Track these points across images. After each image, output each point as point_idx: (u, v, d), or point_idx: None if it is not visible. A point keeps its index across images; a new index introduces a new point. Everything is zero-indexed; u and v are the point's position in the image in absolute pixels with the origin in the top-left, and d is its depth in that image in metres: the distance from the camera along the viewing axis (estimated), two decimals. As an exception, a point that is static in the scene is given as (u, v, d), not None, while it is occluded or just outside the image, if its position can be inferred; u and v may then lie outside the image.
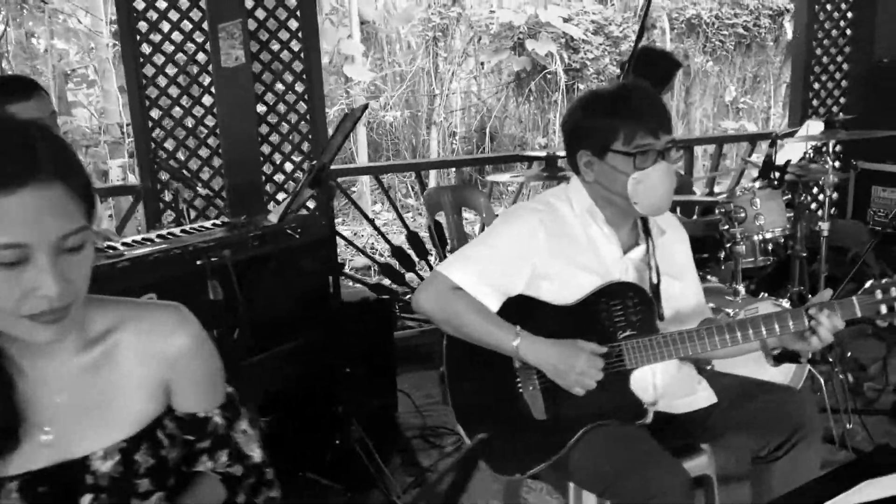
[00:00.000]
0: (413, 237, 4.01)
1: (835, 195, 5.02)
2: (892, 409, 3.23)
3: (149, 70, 3.66)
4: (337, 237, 4.21)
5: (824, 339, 1.80)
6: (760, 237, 3.06)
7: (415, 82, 8.21)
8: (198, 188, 3.43)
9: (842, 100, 4.92)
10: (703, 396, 2.01)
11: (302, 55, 3.88)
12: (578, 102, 1.92)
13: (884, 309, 1.82)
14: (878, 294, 1.82)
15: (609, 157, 1.81)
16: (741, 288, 2.98)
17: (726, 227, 3.03)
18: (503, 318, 1.83)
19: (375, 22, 8.57)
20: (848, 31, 4.80)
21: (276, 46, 3.83)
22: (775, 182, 2.99)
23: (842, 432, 3.01)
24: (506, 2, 7.97)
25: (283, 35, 3.84)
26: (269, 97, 3.87)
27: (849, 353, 3.45)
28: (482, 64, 8.44)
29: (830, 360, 3.20)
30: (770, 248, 3.23)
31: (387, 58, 8.73)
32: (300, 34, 3.85)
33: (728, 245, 2.99)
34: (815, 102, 4.87)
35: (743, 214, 3.04)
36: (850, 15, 4.76)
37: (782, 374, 3.05)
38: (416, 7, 8.22)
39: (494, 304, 1.83)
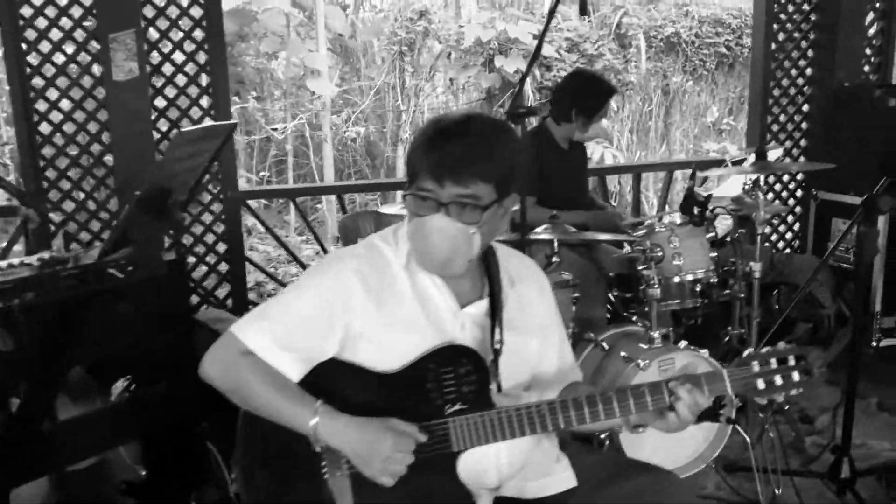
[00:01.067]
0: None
1: (796, 226, 4.73)
2: (829, 470, 2.91)
3: (38, 82, 3.39)
4: (246, 262, 3.92)
5: (683, 418, 1.51)
6: (679, 279, 2.76)
7: (381, 97, 7.94)
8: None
9: (803, 125, 4.62)
10: (560, 478, 1.70)
11: (208, 68, 3.61)
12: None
13: (761, 384, 1.52)
14: (755, 366, 1.52)
15: (409, 195, 1.53)
16: (656, 335, 2.67)
17: (643, 267, 2.73)
18: (313, 387, 1.53)
19: (344, 35, 8.33)
20: (809, 53, 4.51)
21: (179, 57, 3.56)
22: (696, 218, 2.68)
23: (770, 499, 2.70)
24: (475, 17, 7.72)
25: (189, 46, 3.57)
26: (173, 112, 3.60)
27: (787, 406, 3.14)
28: (451, 80, 8.18)
29: (762, 411, 2.89)
30: (699, 289, 2.94)
31: (355, 72, 8.48)
32: (206, 45, 3.58)
33: (642, 287, 2.68)
34: (774, 127, 4.57)
35: (660, 254, 2.74)
36: (811, 35, 4.48)
37: (704, 432, 2.75)
38: (384, 21, 7.98)
39: (295, 373, 1.53)
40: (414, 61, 7.95)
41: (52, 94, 3.42)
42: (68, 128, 3.44)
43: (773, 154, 4.11)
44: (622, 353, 2.69)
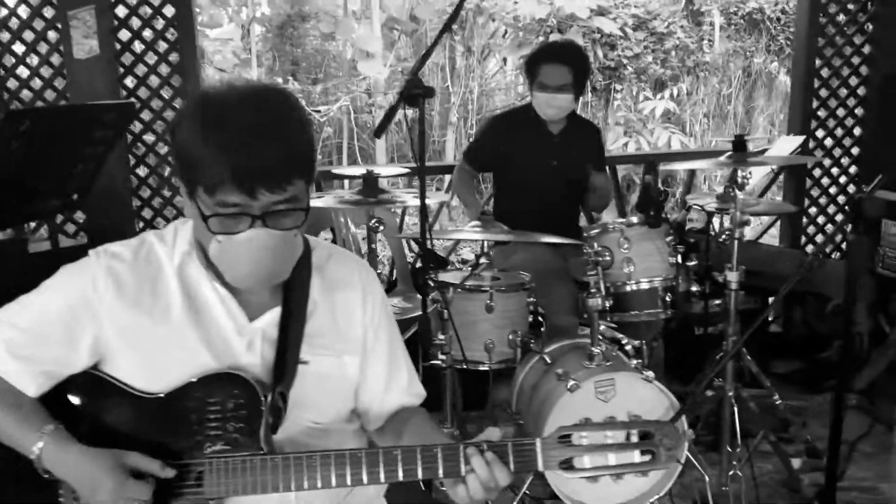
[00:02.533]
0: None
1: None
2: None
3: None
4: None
5: (472, 495, 1.20)
6: (631, 288, 2.38)
7: (428, 79, 7.67)
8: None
9: (857, 111, 4.01)
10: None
11: (178, 46, 3.47)
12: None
13: (586, 461, 1.19)
14: (583, 439, 1.20)
15: (197, 201, 1.25)
16: (597, 351, 2.32)
17: (591, 272, 2.36)
18: (66, 404, 1.33)
19: (398, 16, 8.11)
20: (868, 27, 3.89)
21: (148, 34, 3.44)
22: (652, 219, 2.28)
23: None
24: (530, -8, 7.29)
25: (158, 24, 3.45)
26: (143, 93, 3.50)
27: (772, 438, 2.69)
28: (504, 60, 7.80)
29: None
30: (669, 298, 2.54)
31: (414, 53, 8.25)
32: (175, 23, 3.45)
33: (582, 296, 2.33)
34: (821, 112, 3.99)
35: (609, 258, 2.37)
36: (870, 7, 3.86)
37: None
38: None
39: (33, 387, 1.32)
40: (465, 40, 7.62)
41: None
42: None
43: (788, 144, 3.56)
44: (557, 371, 2.35)
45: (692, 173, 3.84)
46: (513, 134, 3.14)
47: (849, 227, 2.11)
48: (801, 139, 3.67)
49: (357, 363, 1.43)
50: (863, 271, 3.47)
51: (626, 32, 7.77)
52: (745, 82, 8.62)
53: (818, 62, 3.91)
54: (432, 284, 2.48)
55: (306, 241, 1.41)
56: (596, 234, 2.43)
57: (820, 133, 4.03)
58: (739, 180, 2.37)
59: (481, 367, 2.59)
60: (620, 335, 2.67)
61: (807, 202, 4.08)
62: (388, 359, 1.48)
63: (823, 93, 3.96)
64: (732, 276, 2.43)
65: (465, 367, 2.60)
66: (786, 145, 3.58)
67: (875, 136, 3.88)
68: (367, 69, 7.72)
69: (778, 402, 2.85)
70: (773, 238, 4.53)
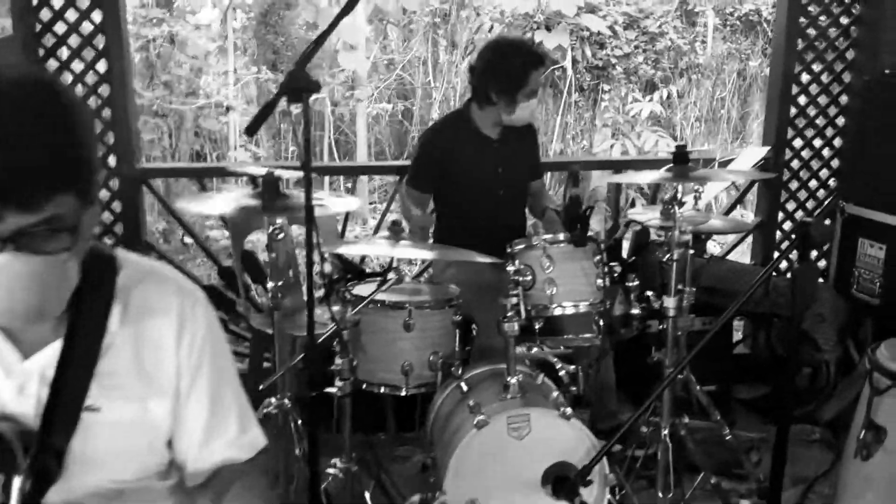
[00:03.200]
0: (225, 271, 3.25)
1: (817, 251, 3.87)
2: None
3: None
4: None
5: None
6: (552, 312, 2.14)
7: (412, 73, 7.40)
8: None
9: (838, 120, 3.75)
10: None
11: (104, 27, 3.23)
12: None
13: None
14: None
15: None
16: (512, 381, 2.07)
17: (513, 292, 2.12)
18: None
19: (382, 8, 7.84)
20: (852, 31, 3.63)
21: (72, 15, 3.20)
22: (577, 236, 2.03)
23: None
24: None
25: (83, 2, 3.21)
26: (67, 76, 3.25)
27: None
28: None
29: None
30: (602, 323, 2.29)
31: (398, 46, 8.00)
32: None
33: (499, 318, 2.08)
34: (799, 122, 3.73)
35: (530, 277, 2.12)
36: (855, 8, 3.59)
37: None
38: (427, -8, 7.43)
39: None
40: (448, 34, 7.36)
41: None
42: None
43: (753, 156, 3.30)
44: (470, 402, 2.10)
45: (618, 187, 3.53)
46: (454, 146, 2.88)
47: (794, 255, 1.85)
48: (764, 150, 3.42)
49: (168, 408, 1.19)
50: (811, 300, 3.20)
51: (615, 31, 7.50)
52: (739, 86, 8.34)
53: (798, 67, 3.65)
54: (347, 298, 2.25)
55: (112, 259, 1.17)
56: (519, 251, 2.18)
57: (798, 143, 3.76)
58: (681, 196, 2.12)
59: (397, 393, 2.35)
60: (555, 359, 2.42)
61: (781, 216, 3.83)
62: (211, 403, 1.23)
63: (802, 100, 3.70)
64: (670, 303, 2.18)
65: (380, 390, 2.37)
66: (750, 157, 3.32)
67: (855, 147, 3.61)
68: (348, 61, 7.46)
69: (728, 437, 2.61)
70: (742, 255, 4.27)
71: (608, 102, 7.83)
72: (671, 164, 2.19)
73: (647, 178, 2.61)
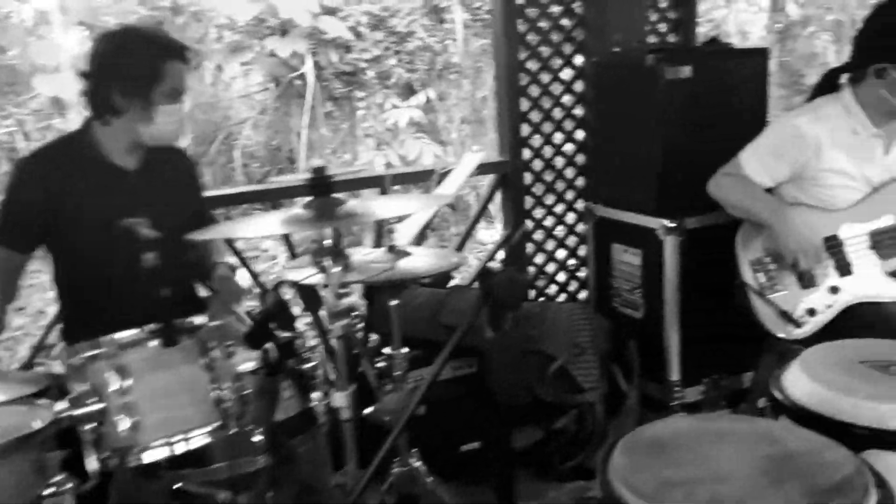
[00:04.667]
0: None
1: (581, 251, 3.38)
2: None
3: None
4: None
5: None
6: (142, 459, 1.31)
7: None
8: None
9: (576, 110, 3.28)
10: None
11: None
12: None
13: None
14: None
15: None
16: None
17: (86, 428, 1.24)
18: None
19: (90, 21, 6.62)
20: (576, 6, 3.16)
21: None
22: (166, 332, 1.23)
23: None
24: (243, -10, 6.13)
25: None
26: None
27: None
28: (219, 67, 6.60)
29: None
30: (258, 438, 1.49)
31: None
32: None
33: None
34: (534, 116, 3.21)
35: (95, 406, 1.27)
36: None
37: None
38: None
39: None
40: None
41: None
42: None
43: (469, 164, 2.72)
44: None
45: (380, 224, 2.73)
46: (66, 181, 1.96)
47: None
48: (479, 156, 2.85)
49: None
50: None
51: (360, 33, 6.84)
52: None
53: (523, 53, 3.12)
54: None
55: None
56: (73, 366, 1.31)
57: (537, 140, 3.25)
58: (329, 242, 1.38)
59: None
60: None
61: (531, 225, 3.30)
62: None
63: (535, 91, 3.18)
64: (341, 400, 1.44)
65: None
66: (468, 165, 2.73)
67: (597, 139, 3.15)
68: (44, 85, 6.17)
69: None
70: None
71: (365, 111, 7.17)
72: (310, 197, 1.44)
73: (248, 230, 1.79)
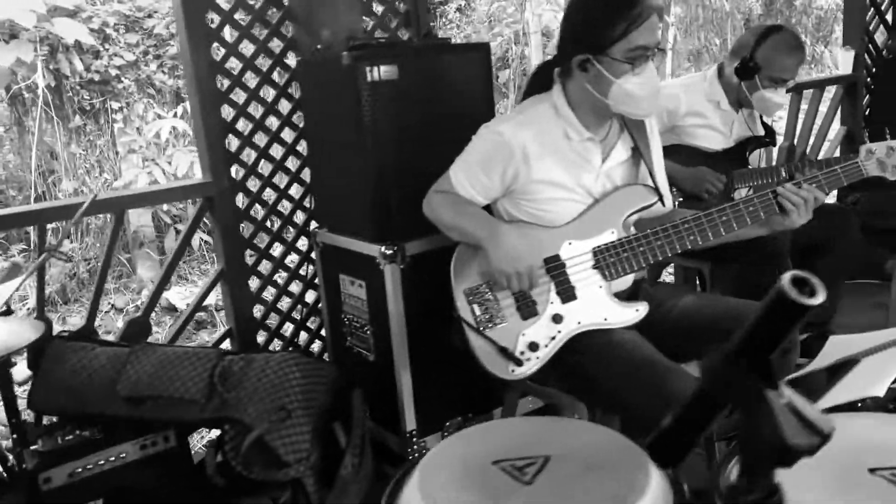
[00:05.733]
0: None
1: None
2: None
3: None
4: None
5: None
6: None
7: None
8: None
9: (297, 117, 2.81)
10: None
11: None
12: None
13: None
14: None
15: None
16: None
17: None
18: None
19: None
20: (283, -3, 2.69)
21: None
22: None
23: None
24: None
25: None
26: None
27: None
28: None
29: None
30: None
31: None
32: None
33: None
34: (243, 126, 2.71)
35: None
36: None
37: None
38: None
39: None
40: None
41: None
42: None
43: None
44: None
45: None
46: None
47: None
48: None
49: None
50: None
51: (109, 36, 6.00)
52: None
53: (220, 52, 2.61)
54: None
55: None
56: None
57: (250, 155, 2.74)
58: None
59: None
60: None
61: (252, 258, 2.79)
62: None
63: (240, 97, 2.67)
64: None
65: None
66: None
67: (317, 152, 2.69)
68: None
69: None
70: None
71: (122, 123, 6.32)
72: None
73: None
